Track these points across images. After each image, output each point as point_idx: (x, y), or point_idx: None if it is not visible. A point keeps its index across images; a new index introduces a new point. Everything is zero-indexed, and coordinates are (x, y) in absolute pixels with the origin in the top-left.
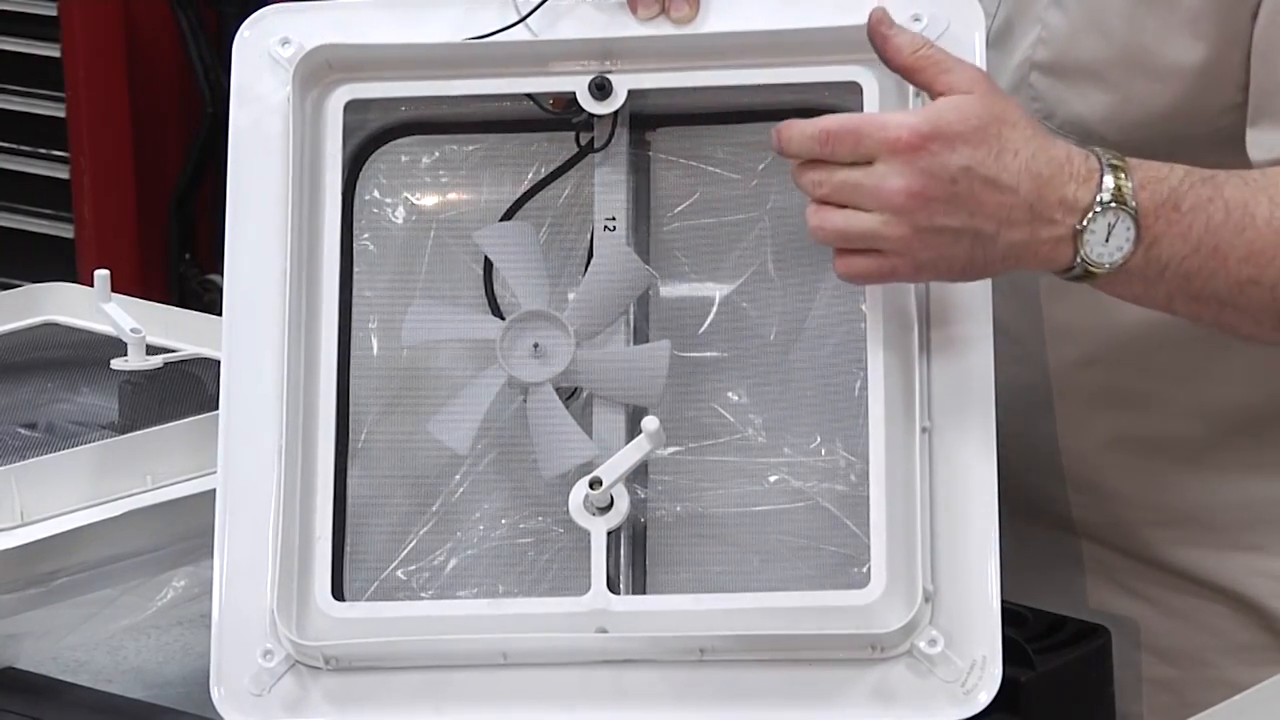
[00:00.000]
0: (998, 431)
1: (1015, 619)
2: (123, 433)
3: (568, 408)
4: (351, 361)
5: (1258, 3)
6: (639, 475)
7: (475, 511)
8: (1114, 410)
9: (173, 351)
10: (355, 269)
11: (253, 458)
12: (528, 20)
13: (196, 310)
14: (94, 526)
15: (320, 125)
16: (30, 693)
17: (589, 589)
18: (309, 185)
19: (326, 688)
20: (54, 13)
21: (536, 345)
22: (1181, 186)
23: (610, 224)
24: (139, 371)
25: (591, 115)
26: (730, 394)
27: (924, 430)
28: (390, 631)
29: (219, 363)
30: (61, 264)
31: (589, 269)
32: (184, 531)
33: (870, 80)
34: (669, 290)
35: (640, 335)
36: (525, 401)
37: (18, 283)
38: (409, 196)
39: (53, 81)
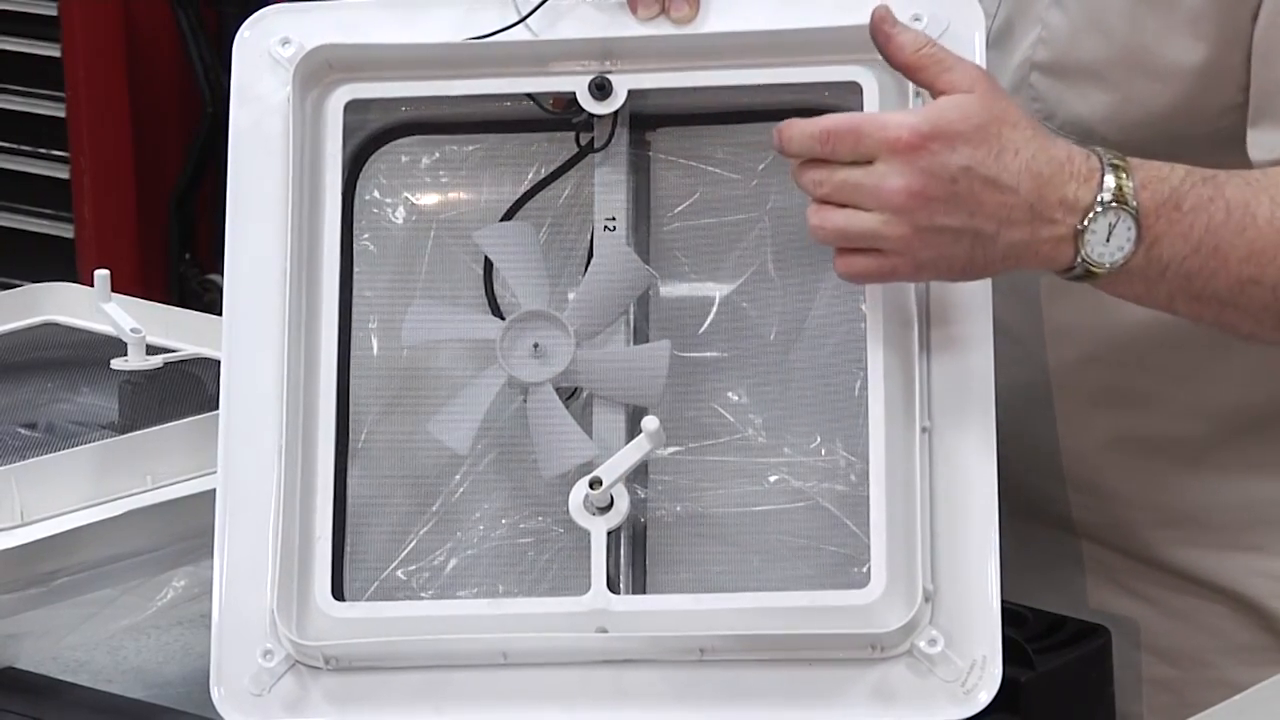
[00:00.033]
0: (998, 431)
1: (1015, 619)
2: (123, 433)
3: (568, 408)
4: (351, 361)
5: (1258, 3)
6: (639, 475)
7: (475, 511)
8: (1114, 410)
9: (173, 351)
10: (355, 269)
11: (253, 458)
12: (528, 20)
13: (196, 310)
14: (94, 526)
15: (320, 125)
16: (30, 693)
17: (589, 589)
18: (309, 185)
19: (326, 688)
20: (54, 13)
21: (536, 345)
22: (1183, 186)
23: (610, 224)
24: (139, 371)
25: (591, 115)
26: (730, 394)
27: (924, 430)
28: (390, 631)
29: (219, 363)
30: (61, 264)
31: (589, 269)
32: (184, 531)
33: (870, 80)
34: (669, 290)
35: (640, 335)
36: (525, 401)
37: (18, 283)
38: (409, 196)
39: (53, 81)
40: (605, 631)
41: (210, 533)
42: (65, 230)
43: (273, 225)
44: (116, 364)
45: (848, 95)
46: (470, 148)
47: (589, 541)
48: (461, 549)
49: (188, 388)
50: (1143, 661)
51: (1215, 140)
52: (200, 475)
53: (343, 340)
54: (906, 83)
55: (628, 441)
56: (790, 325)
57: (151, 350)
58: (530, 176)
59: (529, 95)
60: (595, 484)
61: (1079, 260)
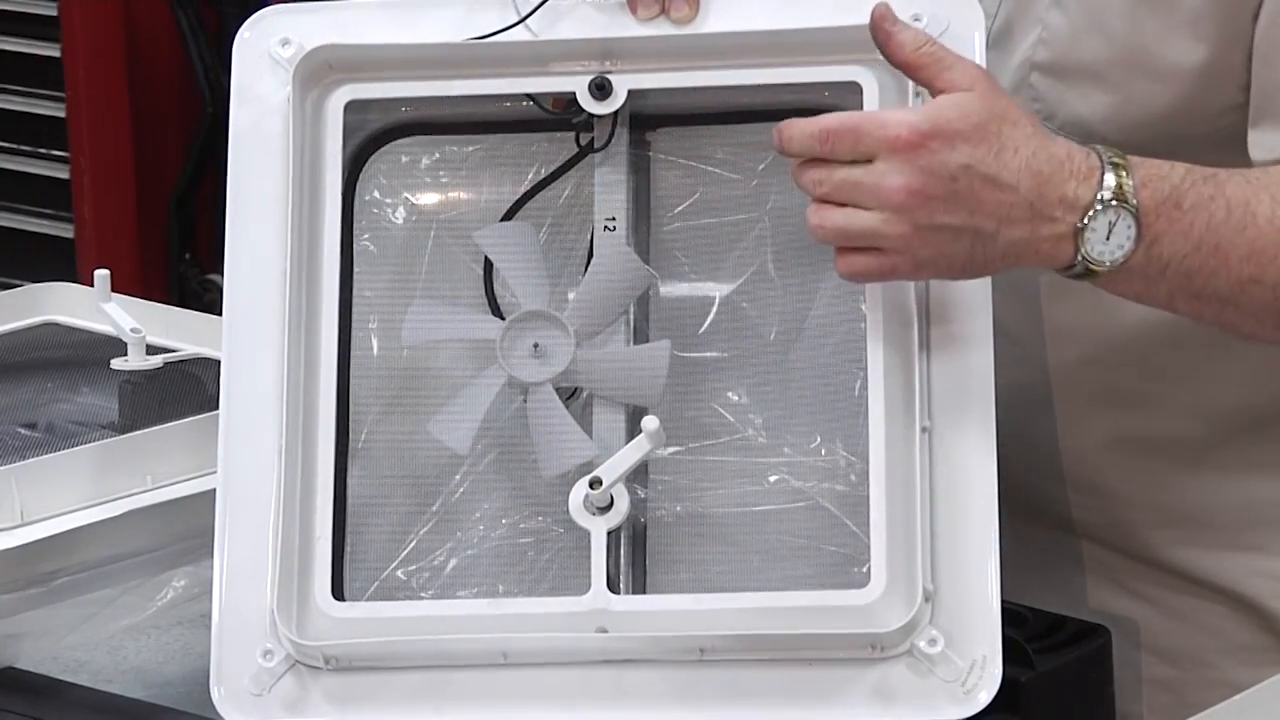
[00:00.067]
0: (998, 431)
1: (1015, 619)
2: (123, 433)
3: (568, 408)
4: (351, 361)
5: (1259, 3)
6: (639, 475)
7: (475, 511)
8: (1114, 410)
9: (173, 351)
10: (355, 269)
11: (253, 458)
12: (528, 21)
13: (196, 310)
14: (94, 526)
15: (320, 125)
16: (30, 693)
17: (589, 589)
18: (309, 185)
19: (326, 688)
20: (54, 13)
21: (536, 345)
22: (1183, 185)
23: (610, 224)
24: (139, 371)
25: (591, 115)
26: (730, 394)
27: (924, 430)
28: (390, 631)
29: (219, 363)
30: (61, 264)
31: (589, 269)
32: (184, 531)
33: (870, 80)
34: (669, 290)
35: (640, 335)
36: (525, 401)
37: (18, 283)
38: (409, 197)
39: (53, 81)
40: (605, 631)
41: (210, 533)
42: (65, 230)
43: (273, 225)
44: (116, 364)
45: (848, 95)
46: (470, 148)
47: (589, 541)
48: (461, 549)
49: (188, 388)
50: (1143, 661)
51: (1215, 140)
52: (200, 475)
53: (343, 340)
54: (907, 82)
55: (628, 441)
56: (790, 325)
57: (151, 350)
58: (530, 177)
59: (529, 95)
60: (595, 484)
61: (1079, 258)
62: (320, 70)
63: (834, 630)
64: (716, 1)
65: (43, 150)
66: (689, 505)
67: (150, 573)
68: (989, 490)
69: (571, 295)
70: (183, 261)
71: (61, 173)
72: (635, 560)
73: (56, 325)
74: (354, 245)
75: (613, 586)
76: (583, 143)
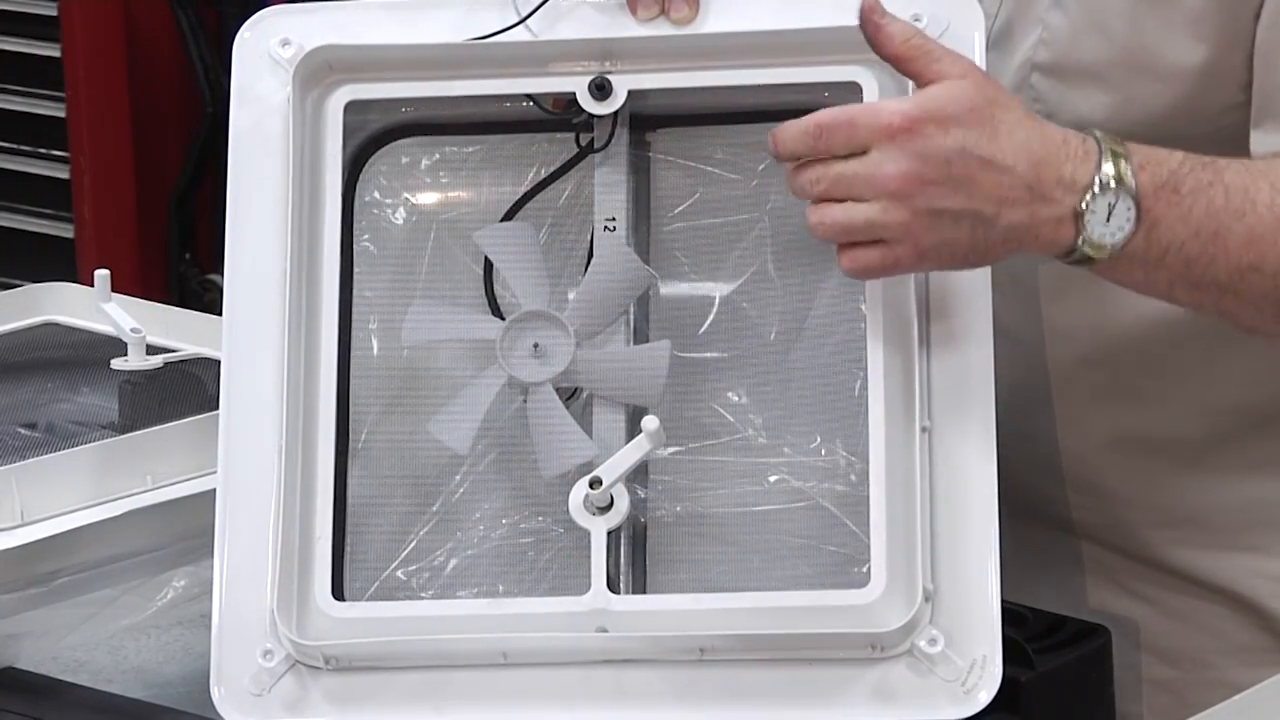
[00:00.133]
0: (998, 431)
1: (1015, 619)
2: (123, 433)
3: (568, 408)
4: (352, 361)
5: (1260, 3)
6: (639, 475)
7: (475, 511)
8: (1114, 410)
9: (173, 351)
10: (355, 269)
11: (253, 458)
12: (528, 21)
13: (196, 310)
14: (94, 526)
15: (320, 126)
16: (30, 693)
17: (589, 589)
18: (309, 186)
19: (326, 688)
20: (54, 13)
21: (536, 345)
22: (1181, 170)
23: (610, 224)
24: (139, 371)
25: (591, 116)
26: (730, 394)
27: (924, 430)
28: (390, 631)
29: (219, 363)
30: (61, 264)
31: (589, 269)
32: (184, 531)
33: (870, 80)
34: (669, 290)
35: (640, 335)
36: (525, 401)
37: (18, 283)
38: (409, 197)
39: (53, 81)
40: (605, 631)
41: (210, 533)
42: (65, 230)
43: (273, 226)
44: (116, 364)
45: (848, 95)
46: (470, 148)
47: (589, 541)
48: (462, 549)
49: (188, 388)
50: (1143, 662)
51: (1216, 140)
52: (200, 475)
53: (343, 340)
54: (907, 83)
55: (628, 441)
56: (790, 325)
57: (151, 350)
58: (530, 177)
59: (529, 96)
60: (595, 484)
61: (1080, 242)
62: (320, 70)
63: (834, 630)
64: (716, 2)
65: (43, 150)
66: (689, 505)
67: (150, 573)
68: (989, 490)
69: (571, 295)
70: (183, 261)
71: (61, 173)
72: (635, 560)
73: (56, 325)
74: (354, 245)
75: (613, 586)
76: (583, 143)
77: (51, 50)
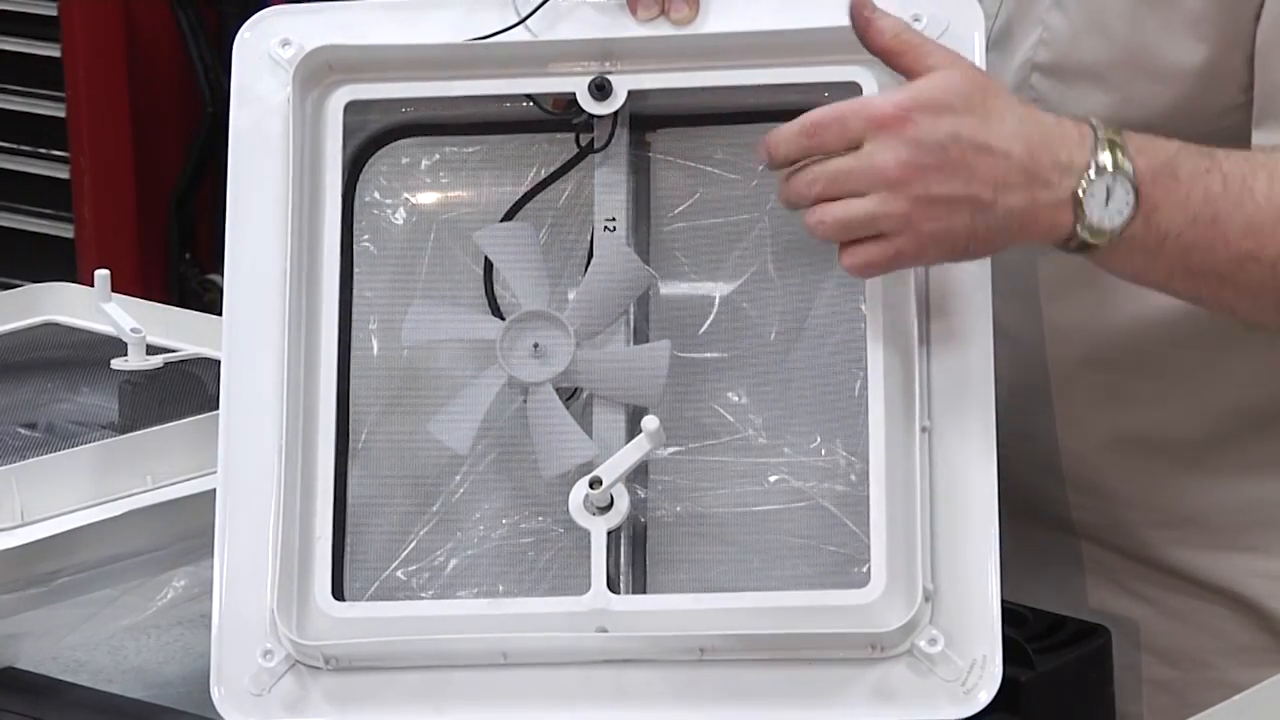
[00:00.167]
0: (998, 431)
1: (1015, 619)
2: (123, 433)
3: (568, 408)
4: (352, 362)
5: (1260, 4)
6: (639, 475)
7: (475, 512)
8: (1114, 410)
9: (173, 351)
10: (355, 269)
11: (253, 458)
12: (528, 21)
13: (196, 310)
14: (94, 526)
15: (320, 126)
16: (30, 693)
17: (589, 589)
18: (309, 186)
19: (326, 688)
20: (54, 13)
21: (536, 345)
22: (1178, 156)
23: (610, 224)
24: (139, 371)
25: (591, 116)
26: (730, 394)
27: (924, 430)
28: (390, 631)
29: (219, 363)
30: (61, 264)
31: (589, 269)
32: (184, 531)
33: (870, 80)
34: (669, 290)
35: (640, 335)
36: (525, 401)
37: (18, 283)
38: (409, 197)
39: (53, 81)
40: (605, 631)
41: (210, 533)
42: (65, 230)
43: (273, 226)
44: (116, 364)
45: (847, 95)
46: (470, 149)
47: (589, 541)
48: (462, 549)
49: (188, 388)
50: (1143, 662)
51: (1216, 141)
52: (200, 475)
53: (343, 340)
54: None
55: (628, 441)
56: (790, 325)
57: (151, 350)
58: (530, 177)
59: (529, 96)
60: (595, 484)
61: (1078, 226)
62: (320, 71)
63: (834, 630)
64: (716, 2)
65: (43, 150)
66: (689, 505)
67: (150, 573)
68: (989, 490)
69: (571, 295)
70: (183, 261)
71: (61, 173)
72: (635, 560)
73: (56, 325)
74: (354, 246)
75: (613, 586)
76: (583, 143)
77: (51, 50)
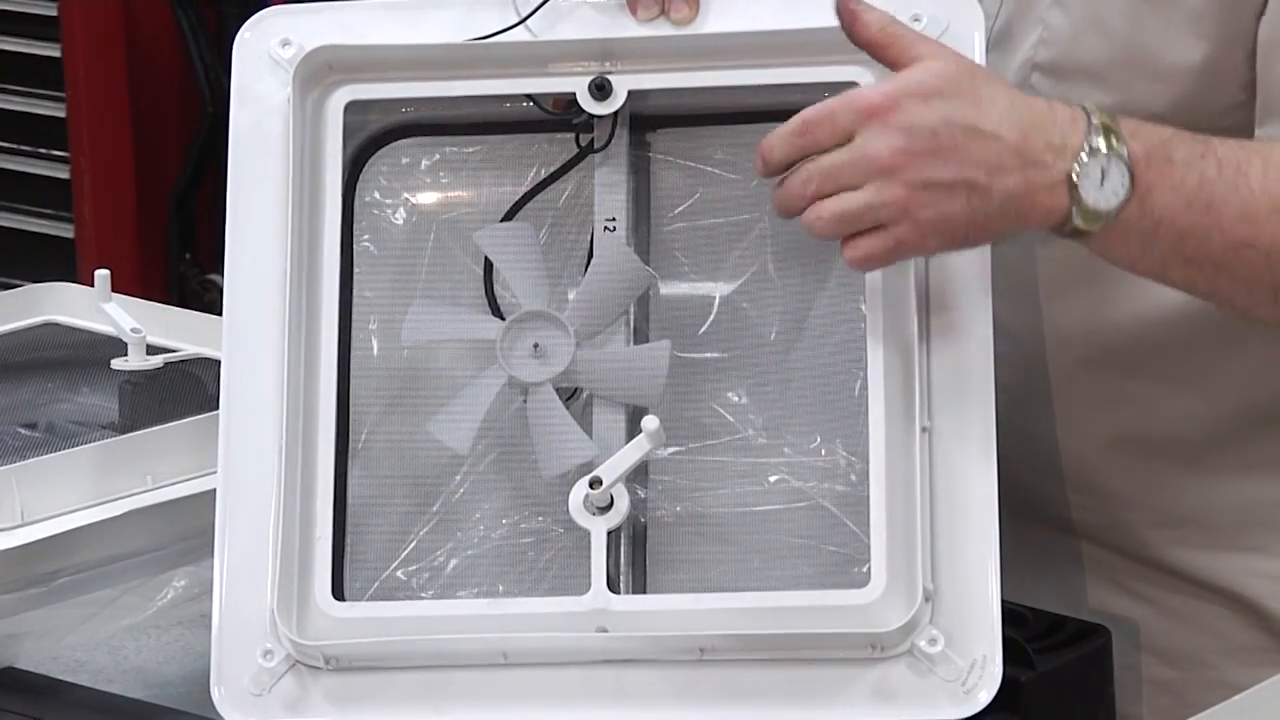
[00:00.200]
0: (998, 431)
1: (1015, 619)
2: (123, 433)
3: (568, 408)
4: (352, 362)
5: (1262, 3)
6: (639, 475)
7: (475, 512)
8: (1114, 411)
9: (173, 351)
10: (355, 269)
11: (253, 458)
12: (528, 21)
13: (196, 310)
14: (94, 526)
15: (320, 126)
16: (30, 693)
17: (589, 589)
18: (309, 186)
19: (327, 687)
20: (54, 13)
21: (536, 345)
22: (1173, 139)
23: (610, 224)
24: (139, 371)
25: (591, 116)
26: (730, 394)
27: (924, 430)
28: (390, 631)
29: (219, 363)
30: (61, 264)
31: (589, 269)
32: (184, 531)
33: (869, 80)
34: (669, 290)
35: (640, 335)
36: (525, 401)
37: (18, 283)
38: (409, 197)
39: (53, 81)
40: (605, 631)
41: (210, 533)
42: (65, 230)
43: (273, 226)
44: (116, 364)
45: None
46: (471, 149)
47: (589, 541)
48: (462, 549)
49: (188, 388)
50: (1143, 662)
51: None
52: (200, 475)
53: (343, 340)
54: None
55: (628, 441)
56: (790, 325)
57: (151, 350)
58: (530, 177)
59: (529, 96)
60: (595, 484)
61: (1074, 209)
62: (320, 71)
63: (834, 630)
64: (716, 2)
65: (43, 150)
66: (689, 505)
67: (150, 573)
68: (989, 490)
69: (571, 295)
70: (183, 261)
71: (61, 173)
72: (635, 560)
73: (56, 325)
74: (354, 246)
75: (613, 586)
76: (583, 143)
77: (51, 50)
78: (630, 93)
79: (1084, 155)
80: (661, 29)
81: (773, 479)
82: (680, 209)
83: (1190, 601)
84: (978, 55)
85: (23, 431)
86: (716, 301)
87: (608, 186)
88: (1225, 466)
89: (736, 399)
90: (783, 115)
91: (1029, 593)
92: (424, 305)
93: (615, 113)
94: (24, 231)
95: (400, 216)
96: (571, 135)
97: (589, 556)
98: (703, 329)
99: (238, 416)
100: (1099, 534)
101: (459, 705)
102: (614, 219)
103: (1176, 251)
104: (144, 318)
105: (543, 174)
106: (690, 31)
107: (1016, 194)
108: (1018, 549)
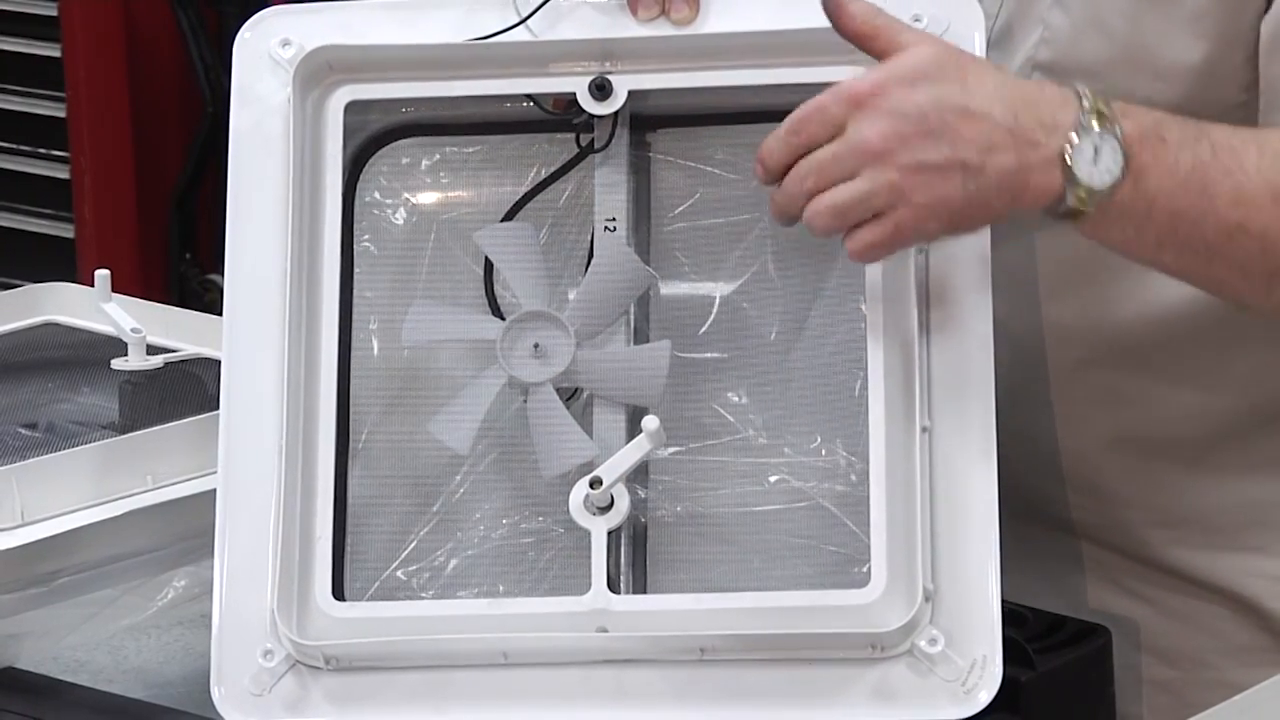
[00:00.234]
0: (998, 431)
1: (1015, 619)
2: (123, 433)
3: (568, 408)
4: (352, 362)
5: (1264, 2)
6: (639, 475)
7: (476, 512)
8: (1113, 411)
9: (173, 351)
10: (356, 269)
11: (253, 458)
12: (528, 21)
13: (196, 310)
14: (94, 526)
15: (321, 126)
16: (30, 693)
17: (589, 589)
18: (309, 186)
19: (327, 688)
20: (54, 13)
21: (537, 345)
22: (1166, 120)
23: (611, 224)
24: (139, 371)
25: (592, 116)
26: (730, 394)
27: (924, 430)
28: (391, 631)
29: (219, 363)
30: (61, 264)
31: (589, 269)
32: (184, 531)
33: None
34: (669, 290)
35: (640, 335)
36: (525, 401)
37: (18, 283)
38: (409, 197)
39: (53, 81)
40: (605, 631)
41: (210, 533)
42: (65, 230)
43: (273, 226)
44: (117, 364)
45: None
46: (471, 149)
47: (589, 541)
48: (462, 549)
49: (188, 388)
50: (1143, 662)
51: None
52: (200, 475)
53: (343, 340)
54: None
55: (628, 441)
56: (790, 325)
57: (151, 350)
58: (531, 177)
59: (529, 96)
60: (595, 484)
61: (1069, 187)
62: (321, 71)
63: (834, 630)
64: (716, 2)
65: (43, 150)
66: (689, 505)
67: (150, 573)
68: (989, 490)
69: (572, 295)
70: (183, 261)
71: (61, 173)
72: (635, 560)
73: (57, 325)
74: (354, 246)
75: (613, 586)
76: (583, 143)
77: (51, 50)
78: (630, 93)
79: (1076, 133)
80: (662, 29)
81: (773, 479)
82: (680, 209)
83: (1190, 601)
84: (978, 55)
85: (23, 431)
86: (717, 301)
87: (608, 186)
88: (1225, 466)
89: (737, 399)
90: (782, 115)
91: (1029, 593)
92: (424, 305)
93: (615, 113)
94: (24, 231)
95: (400, 216)
96: (572, 135)
97: (589, 556)
98: (703, 329)
99: (238, 416)
100: (1099, 534)
101: (459, 705)
102: (614, 219)
103: (1170, 235)
104: (144, 318)
105: (543, 174)
106: (690, 31)
107: (1010, 171)
108: (1018, 549)
